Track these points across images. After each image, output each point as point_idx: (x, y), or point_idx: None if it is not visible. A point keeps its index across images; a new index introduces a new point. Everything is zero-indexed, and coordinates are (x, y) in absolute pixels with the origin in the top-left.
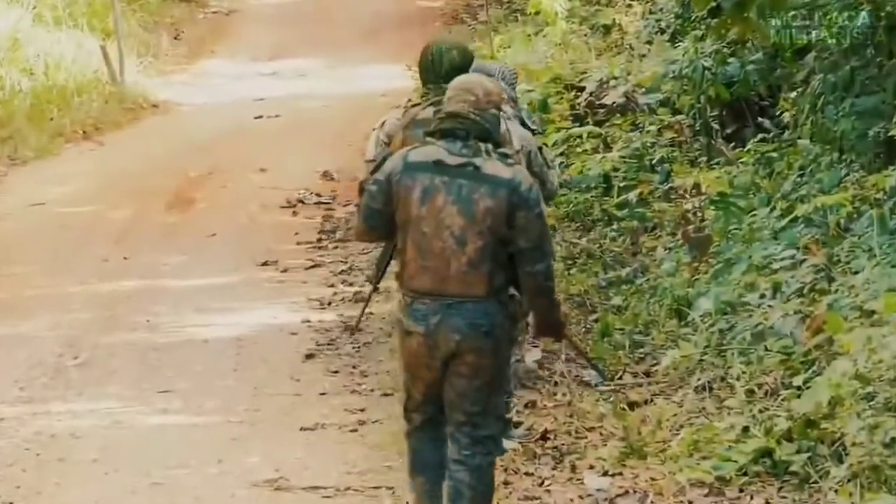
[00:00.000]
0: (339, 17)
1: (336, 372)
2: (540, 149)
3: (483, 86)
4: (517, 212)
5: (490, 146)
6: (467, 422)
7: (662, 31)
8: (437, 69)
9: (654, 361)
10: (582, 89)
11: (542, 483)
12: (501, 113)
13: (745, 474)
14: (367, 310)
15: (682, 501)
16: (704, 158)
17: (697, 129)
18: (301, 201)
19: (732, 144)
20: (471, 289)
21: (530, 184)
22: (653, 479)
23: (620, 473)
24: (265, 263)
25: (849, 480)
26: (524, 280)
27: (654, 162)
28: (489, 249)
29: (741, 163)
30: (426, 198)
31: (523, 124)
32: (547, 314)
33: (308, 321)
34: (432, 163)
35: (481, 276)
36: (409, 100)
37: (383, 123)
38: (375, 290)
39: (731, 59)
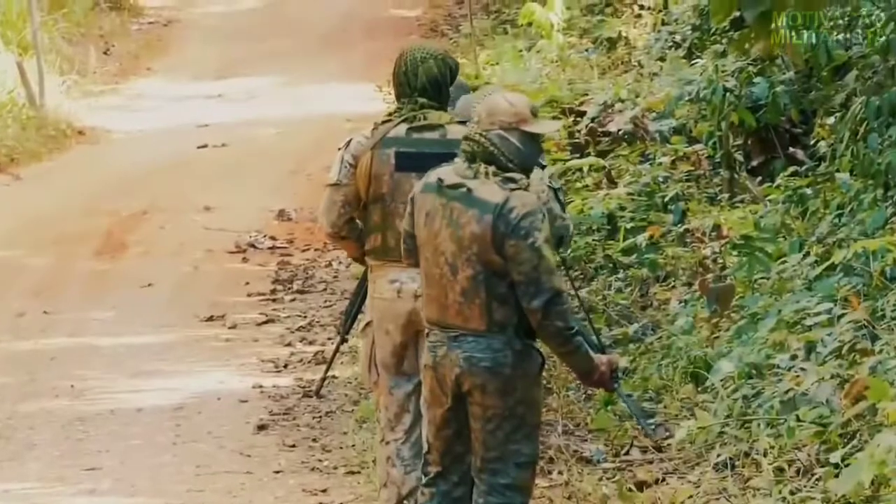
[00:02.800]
0: (298, 28)
1: (293, 446)
2: (556, 191)
3: (489, 105)
4: (506, 240)
5: (493, 168)
6: (484, 468)
7: (677, 46)
8: (412, 81)
9: (667, 434)
10: (582, 114)
11: None
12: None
13: None
14: (330, 371)
15: None
16: (726, 196)
17: (718, 160)
18: (252, 246)
19: (759, 179)
20: (468, 322)
21: (527, 210)
22: None
23: None
24: (210, 319)
25: None
26: (529, 318)
27: (666, 200)
28: (481, 280)
29: (769, 201)
30: (428, 221)
31: None
32: (568, 360)
33: (260, 386)
34: (436, 182)
35: (476, 309)
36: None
37: (349, 143)
38: (344, 341)
39: (757, 79)
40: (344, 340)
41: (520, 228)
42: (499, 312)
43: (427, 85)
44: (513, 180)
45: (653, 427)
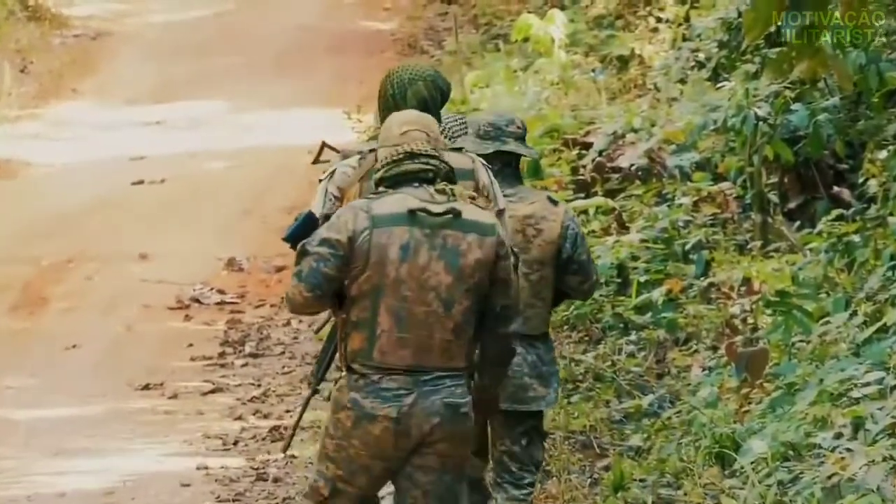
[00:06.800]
0: (252, 43)
1: None
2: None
3: (431, 120)
4: (500, 262)
5: (458, 187)
6: None
7: (700, 66)
8: (400, 105)
9: None
10: (588, 146)
11: None
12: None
13: None
14: (296, 436)
15: None
16: (758, 243)
17: (748, 202)
18: (197, 300)
19: (797, 224)
20: (451, 360)
21: (503, 229)
22: None
23: None
24: (146, 387)
25: None
26: (491, 345)
27: (687, 248)
28: (473, 311)
29: (809, 250)
30: (406, 256)
31: None
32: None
33: (206, 468)
34: (407, 213)
35: (462, 345)
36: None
37: (332, 173)
38: (315, 392)
39: (795, 106)
40: (315, 391)
41: (506, 248)
42: (470, 347)
43: (418, 109)
44: (474, 198)
45: None
